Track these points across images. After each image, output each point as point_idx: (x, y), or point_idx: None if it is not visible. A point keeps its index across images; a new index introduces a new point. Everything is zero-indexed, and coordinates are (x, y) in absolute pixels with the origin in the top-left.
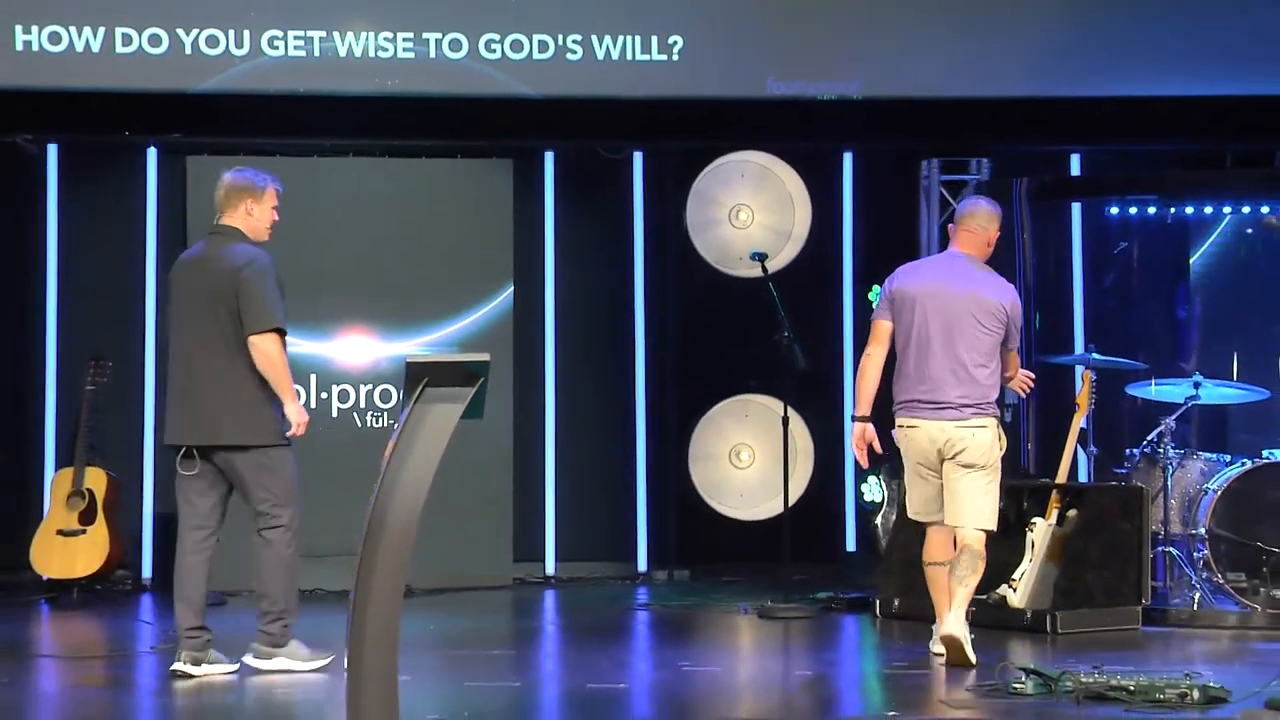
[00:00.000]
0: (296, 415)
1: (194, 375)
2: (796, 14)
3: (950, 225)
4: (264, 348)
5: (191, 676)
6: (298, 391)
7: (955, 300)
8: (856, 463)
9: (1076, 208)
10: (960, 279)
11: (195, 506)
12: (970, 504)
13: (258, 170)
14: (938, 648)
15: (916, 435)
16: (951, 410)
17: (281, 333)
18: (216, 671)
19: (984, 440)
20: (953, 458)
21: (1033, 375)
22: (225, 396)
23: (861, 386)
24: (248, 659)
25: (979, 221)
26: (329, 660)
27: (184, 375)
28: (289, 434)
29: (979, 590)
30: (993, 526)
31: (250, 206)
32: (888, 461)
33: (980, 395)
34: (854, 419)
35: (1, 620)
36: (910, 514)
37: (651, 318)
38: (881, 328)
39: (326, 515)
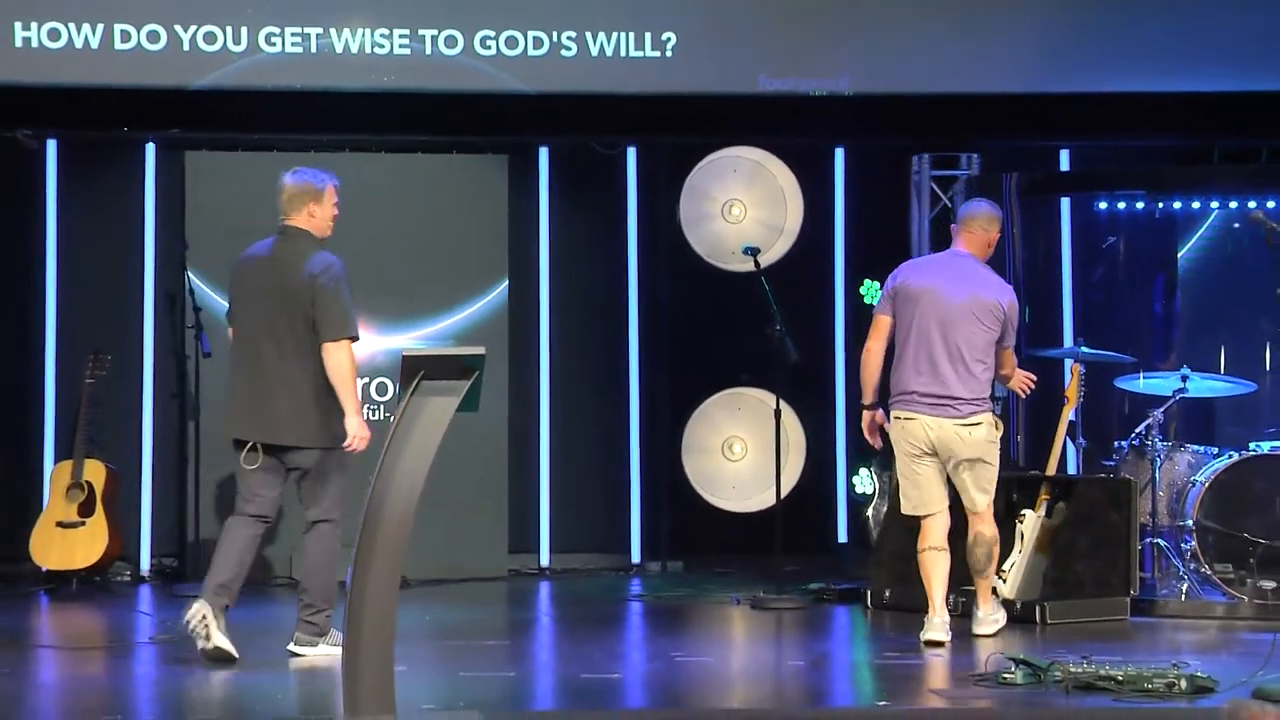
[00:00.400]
0: (356, 428)
1: (264, 374)
2: (788, 11)
3: (952, 225)
4: (337, 356)
5: (206, 624)
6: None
7: (957, 299)
8: (849, 455)
9: (1066, 202)
10: (962, 279)
11: (259, 497)
12: (979, 491)
13: (316, 170)
14: (932, 635)
15: (912, 426)
16: (951, 409)
17: (354, 340)
18: (223, 645)
19: (980, 435)
20: (950, 457)
21: (1033, 377)
22: (295, 399)
23: (866, 378)
24: (291, 646)
25: (980, 223)
26: None
27: (253, 373)
28: (345, 445)
29: (968, 581)
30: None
31: (313, 208)
32: (880, 453)
33: (978, 391)
34: (863, 408)
35: (1, 611)
36: (906, 511)
37: (645, 312)
38: (883, 323)
39: None
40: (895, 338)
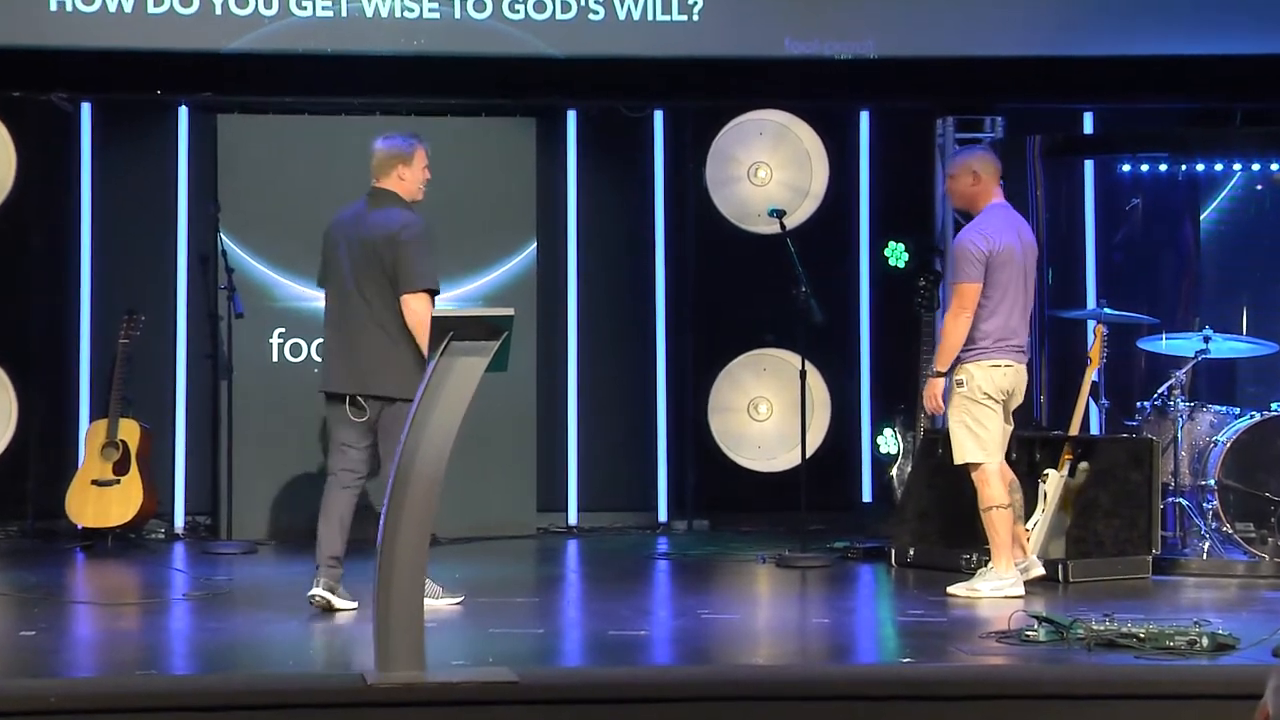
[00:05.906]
0: None
1: (355, 329)
2: None
3: (982, 177)
4: (413, 306)
5: (328, 603)
6: None
7: (1029, 253)
8: (873, 415)
9: (1089, 165)
10: (1026, 233)
11: (349, 453)
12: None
13: (405, 135)
14: (1039, 570)
15: (1010, 374)
16: (1025, 355)
17: (433, 293)
18: (343, 607)
19: None
20: (1012, 403)
21: None
22: (382, 351)
23: (952, 345)
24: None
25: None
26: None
27: (346, 330)
28: None
29: (985, 540)
30: None
31: (402, 171)
32: (903, 413)
33: None
34: (934, 374)
35: (38, 567)
36: (970, 459)
37: (671, 273)
38: (975, 291)
39: None
40: (985, 296)
